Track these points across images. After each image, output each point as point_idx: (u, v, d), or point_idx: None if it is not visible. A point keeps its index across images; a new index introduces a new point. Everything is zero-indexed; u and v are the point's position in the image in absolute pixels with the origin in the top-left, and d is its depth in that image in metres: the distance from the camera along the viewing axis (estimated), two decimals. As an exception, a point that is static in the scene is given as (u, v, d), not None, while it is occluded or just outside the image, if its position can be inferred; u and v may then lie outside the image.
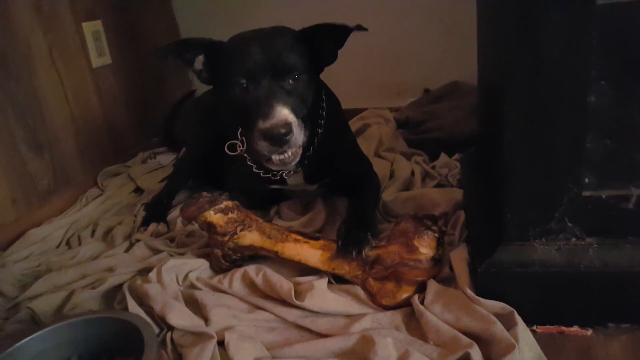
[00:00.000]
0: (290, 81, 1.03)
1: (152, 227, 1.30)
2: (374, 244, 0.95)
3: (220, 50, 1.07)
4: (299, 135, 1.00)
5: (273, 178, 1.21)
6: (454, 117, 1.58)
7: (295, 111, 1.00)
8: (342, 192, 1.30)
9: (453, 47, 1.90)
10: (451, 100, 1.72)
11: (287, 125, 0.97)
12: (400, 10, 1.96)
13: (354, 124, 1.80)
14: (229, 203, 1.04)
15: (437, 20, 1.93)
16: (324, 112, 1.18)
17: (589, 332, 0.83)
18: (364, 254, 0.94)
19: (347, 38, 1.04)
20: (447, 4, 1.88)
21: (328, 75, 1.18)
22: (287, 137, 0.98)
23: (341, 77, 1.43)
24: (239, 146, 1.17)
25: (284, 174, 1.20)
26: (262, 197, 1.32)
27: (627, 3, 0.70)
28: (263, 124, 0.97)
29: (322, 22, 1.05)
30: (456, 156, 1.45)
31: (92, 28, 1.72)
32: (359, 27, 1.00)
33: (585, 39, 0.71)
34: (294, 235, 1.01)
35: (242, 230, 1.02)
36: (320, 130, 1.17)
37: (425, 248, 0.91)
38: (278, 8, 2.07)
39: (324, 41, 1.06)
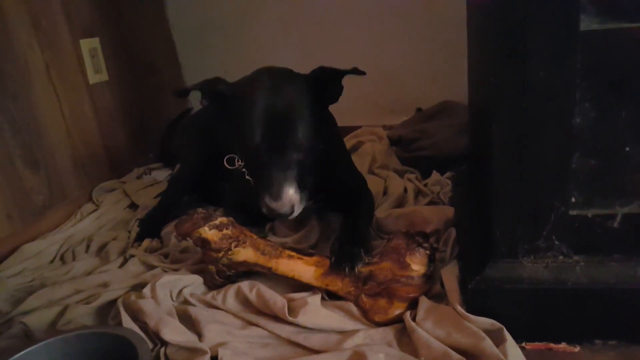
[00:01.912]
0: (302, 155, 1.05)
1: (146, 242, 1.31)
2: (366, 261, 0.97)
3: (229, 99, 1.08)
4: (299, 208, 1.05)
5: None
6: (446, 136, 1.61)
7: (301, 185, 1.05)
8: (336, 208, 1.32)
9: (445, 66, 1.94)
10: (442, 119, 1.75)
11: (292, 206, 1.03)
12: (394, 30, 2.00)
13: (348, 141, 1.82)
14: (224, 219, 1.05)
15: (429, 40, 1.97)
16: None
17: (577, 348, 0.84)
18: (356, 270, 0.95)
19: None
20: (439, 24, 1.92)
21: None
22: (289, 214, 1.04)
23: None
24: (237, 160, 1.18)
25: None
26: (257, 212, 1.33)
27: (609, 29, 0.73)
28: (269, 201, 1.03)
29: (328, 66, 1.07)
30: (448, 174, 1.47)
31: (89, 45, 1.74)
32: (358, 71, 1.05)
33: (570, 62, 0.73)
34: (287, 252, 1.02)
35: (236, 246, 1.03)
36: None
37: (417, 265, 0.92)
38: (273, 27, 2.11)
39: (332, 83, 1.09)
